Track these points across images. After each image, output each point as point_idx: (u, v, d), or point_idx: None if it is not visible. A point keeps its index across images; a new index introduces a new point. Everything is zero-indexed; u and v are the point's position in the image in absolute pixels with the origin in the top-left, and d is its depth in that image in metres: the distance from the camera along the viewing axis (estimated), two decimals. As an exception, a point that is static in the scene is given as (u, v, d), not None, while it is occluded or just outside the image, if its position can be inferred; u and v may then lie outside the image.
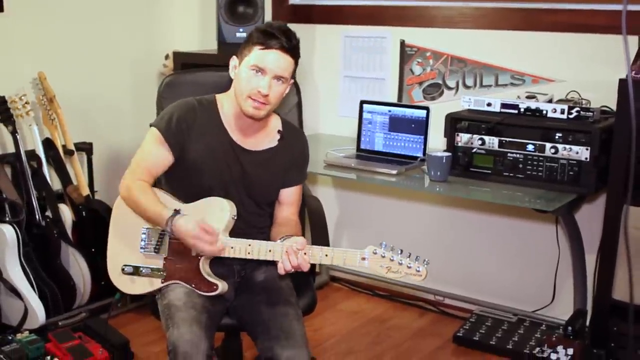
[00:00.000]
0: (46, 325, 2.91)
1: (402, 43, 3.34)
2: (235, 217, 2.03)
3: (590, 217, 2.90)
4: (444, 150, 2.78)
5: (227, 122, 2.12)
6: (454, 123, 2.80)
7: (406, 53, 3.34)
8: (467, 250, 3.36)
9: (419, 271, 1.86)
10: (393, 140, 3.07)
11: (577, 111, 2.61)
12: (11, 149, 3.06)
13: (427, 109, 3.00)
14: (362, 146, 3.15)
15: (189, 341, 1.86)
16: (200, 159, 2.08)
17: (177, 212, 1.97)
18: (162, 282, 2.06)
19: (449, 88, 3.25)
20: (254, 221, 2.15)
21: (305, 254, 1.89)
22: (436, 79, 3.28)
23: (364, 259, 1.88)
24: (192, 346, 1.86)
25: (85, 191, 3.23)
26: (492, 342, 3.00)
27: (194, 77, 2.48)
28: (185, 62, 3.40)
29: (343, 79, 3.55)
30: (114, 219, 2.17)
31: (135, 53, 3.69)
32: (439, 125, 2.85)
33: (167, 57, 3.67)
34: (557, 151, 2.61)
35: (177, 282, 2.04)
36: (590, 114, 2.59)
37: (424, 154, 2.94)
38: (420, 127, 3.00)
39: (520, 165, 2.69)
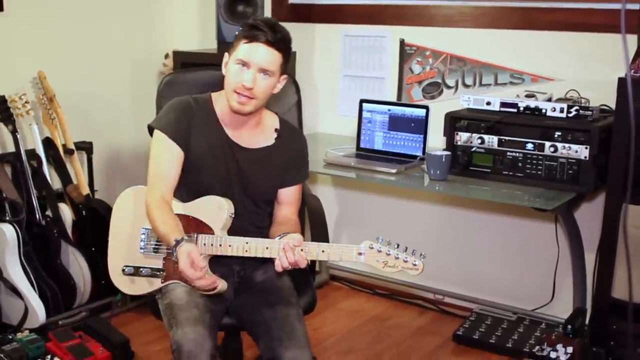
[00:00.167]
0: (46, 324, 2.91)
1: (402, 42, 3.34)
2: (233, 216, 2.04)
3: (590, 216, 2.91)
4: (444, 149, 2.78)
5: (222, 119, 2.12)
6: (454, 122, 2.80)
7: (406, 52, 3.34)
8: (467, 249, 3.36)
9: (415, 265, 1.86)
10: (393, 139, 3.08)
11: (576, 110, 2.61)
12: (11, 148, 3.06)
13: (426, 108, 3.01)
14: (362, 145, 3.16)
15: (193, 340, 1.87)
16: (200, 157, 2.08)
17: (179, 242, 1.92)
18: (162, 282, 2.06)
19: (449, 87, 3.26)
20: (253, 220, 2.15)
21: (302, 250, 1.89)
22: (435, 78, 3.28)
23: (360, 254, 1.88)
24: (196, 345, 1.86)
25: (85, 190, 3.24)
26: (491, 341, 3.00)
27: (193, 76, 2.48)
28: (185, 61, 3.40)
29: (343, 78, 3.55)
30: (113, 219, 2.18)
31: (135, 52, 3.69)
32: (439, 124, 2.85)
33: (166, 56, 3.68)
34: (556, 150, 2.61)
35: (177, 282, 2.04)
36: (590, 112, 2.59)
37: (424, 152, 2.94)
38: (420, 126, 3.00)
39: (520, 164, 2.69)
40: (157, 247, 2.08)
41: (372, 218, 3.60)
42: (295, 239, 1.91)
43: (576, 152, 2.58)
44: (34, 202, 3.04)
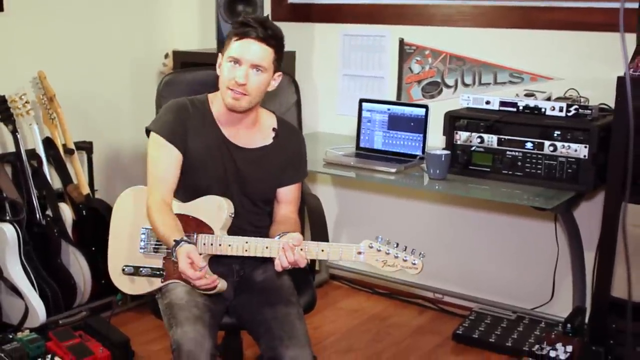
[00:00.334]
0: (47, 324, 2.92)
1: (401, 41, 3.34)
2: (233, 215, 2.04)
3: (589, 215, 2.91)
4: (443, 149, 2.79)
5: (219, 119, 2.12)
6: (453, 121, 2.80)
7: (405, 51, 3.34)
8: (467, 248, 3.36)
9: (414, 264, 1.86)
10: (392, 138, 3.08)
11: (575, 109, 2.61)
12: (11, 148, 3.07)
13: (426, 107, 3.01)
14: (362, 144, 3.16)
15: (193, 339, 1.87)
16: (198, 157, 2.09)
17: (178, 242, 1.93)
18: (162, 282, 2.07)
19: (448, 86, 3.26)
20: (251, 219, 2.15)
21: (301, 249, 1.90)
22: (435, 77, 3.29)
23: (359, 253, 1.88)
24: (196, 345, 1.86)
25: (86, 190, 3.24)
26: (491, 340, 3.01)
27: (193, 76, 2.48)
28: (184, 61, 3.41)
29: (342, 77, 3.55)
30: (113, 219, 2.18)
31: (135, 52, 3.69)
32: (438, 123, 2.85)
33: (166, 56, 3.68)
34: (555, 149, 2.62)
35: (177, 281, 2.04)
36: (589, 111, 2.60)
37: (423, 152, 2.95)
38: (419, 126, 3.01)
39: (519, 163, 2.70)
40: (157, 246, 2.08)
41: (371, 217, 3.60)
42: (295, 238, 1.91)
43: (575, 151, 2.58)
44: (34, 201, 3.04)
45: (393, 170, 2.84)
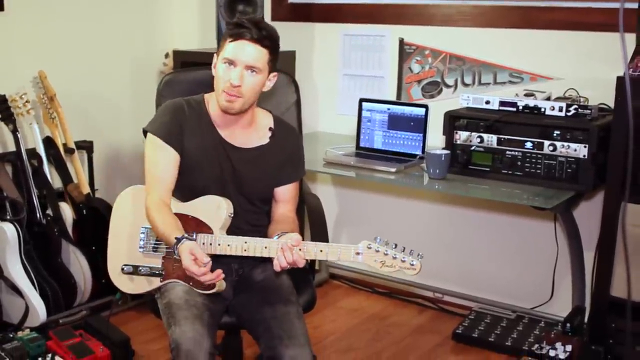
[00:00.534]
0: (47, 323, 2.92)
1: (401, 41, 3.35)
2: (232, 215, 2.04)
3: (589, 215, 2.91)
4: (443, 148, 2.79)
5: (215, 120, 2.12)
6: (453, 121, 2.80)
7: (405, 51, 3.34)
8: (466, 248, 3.37)
9: (413, 265, 1.86)
10: (392, 138, 3.08)
11: (575, 109, 2.61)
12: (12, 147, 3.07)
13: (425, 107, 3.01)
14: (362, 144, 3.16)
15: (191, 339, 1.87)
16: (195, 158, 2.09)
17: (179, 240, 1.93)
18: (161, 281, 2.07)
19: (448, 86, 3.26)
20: (248, 219, 2.15)
21: (300, 250, 1.90)
22: (435, 77, 3.29)
23: (358, 253, 1.88)
24: (195, 344, 1.87)
25: (86, 189, 3.24)
26: (491, 339, 3.01)
27: (193, 76, 2.48)
28: (185, 61, 3.41)
29: (342, 77, 3.56)
30: (113, 218, 2.18)
31: (135, 51, 3.70)
32: (438, 123, 2.85)
33: (167, 55, 3.68)
34: (555, 149, 2.62)
35: (176, 281, 2.04)
36: (588, 111, 2.60)
37: (423, 151, 2.95)
38: (419, 125, 3.01)
39: (519, 163, 2.70)
40: (156, 246, 2.08)
41: (371, 217, 3.60)
42: (294, 238, 1.91)
43: (575, 150, 2.58)
44: (35, 201, 3.04)
45: (393, 169, 2.85)
